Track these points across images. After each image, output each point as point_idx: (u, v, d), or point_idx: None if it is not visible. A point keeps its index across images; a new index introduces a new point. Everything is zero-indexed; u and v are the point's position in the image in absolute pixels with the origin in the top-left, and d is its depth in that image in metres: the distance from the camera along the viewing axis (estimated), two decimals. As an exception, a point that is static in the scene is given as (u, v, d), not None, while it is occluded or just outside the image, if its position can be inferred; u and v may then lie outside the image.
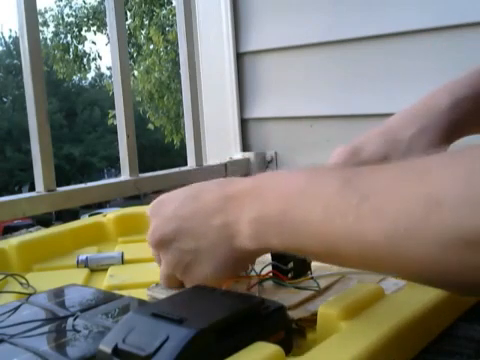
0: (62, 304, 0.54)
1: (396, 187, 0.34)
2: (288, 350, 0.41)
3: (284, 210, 0.40)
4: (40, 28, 3.07)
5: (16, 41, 17.27)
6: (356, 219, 0.35)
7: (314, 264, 0.59)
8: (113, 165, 16.93)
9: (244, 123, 1.58)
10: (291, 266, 0.56)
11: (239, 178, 0.47)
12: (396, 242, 0.33)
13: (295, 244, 0.41)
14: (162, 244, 0.49)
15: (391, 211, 0.33)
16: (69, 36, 13.04)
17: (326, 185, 0.38)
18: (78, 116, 18.26)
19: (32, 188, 1.21)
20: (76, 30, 12.95)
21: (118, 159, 1.43)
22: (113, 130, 5.75)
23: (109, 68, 15.38)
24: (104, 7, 2.05)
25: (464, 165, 0.32)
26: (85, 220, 0.96)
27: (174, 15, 2.54)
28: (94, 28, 12.73)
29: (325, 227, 0.37)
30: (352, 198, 0.35)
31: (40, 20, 4.82)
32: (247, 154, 1.57)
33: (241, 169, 1.57)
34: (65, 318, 0.50)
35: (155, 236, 0.49)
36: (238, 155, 1.59)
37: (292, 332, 0.44)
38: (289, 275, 0.55)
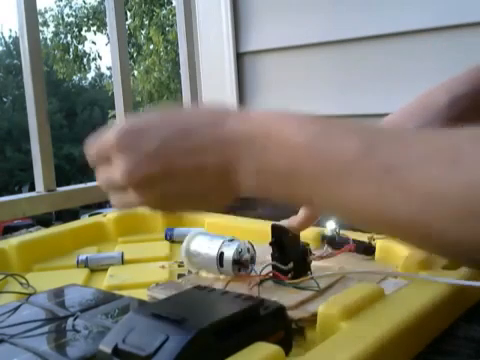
0: (62, 304, 0.54)
1: (428, 168, 0.32)
2: (288, 350, 0.41)
3: (292, 168, 0.37)
4: (40, 28, 3.07)
5: (16, 41, 17.27)
6: (378, 191, 0.33)
7: (314, 264, 0.59)
8: (113, 165, 16.89)
9: (244, 123, 1.58)
10: (291, 266, 0.56)
11: (233, 112, 0.42)
12: (424, 222, 0.32)
13: (303, 200, 0.39)
14: (142, 185, 0.42)
15: (421, 193, 0.32)
16: (69, 36, 13.06)
17: (344, 146, 0.35)
18: (78, 116, 18.25)
19: (32, 188, 1.21)
20: (76, 30, 12.96)
21: (118, 159, 1.43)
22: (113, 130, 5.73)
23: (109, 68, 15.38)
24: (104, 7, 2.05)
25: None
26: (85, 220, 0.96)
27: (174, 15, 2.54)
28: (94, 28, 12.74)
29: (340, 189, 0.35)
30: (375, 168, 0.33)
31: (40, 20, 4.82)
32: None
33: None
34: (65, 318, 0.50)
35: (134, 175, 0.41)
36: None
37: (292, 332, 0.44)
38: (289, 275, 0.55)
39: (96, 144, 0.44)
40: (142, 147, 0.41)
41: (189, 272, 0.64)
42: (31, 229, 0.97)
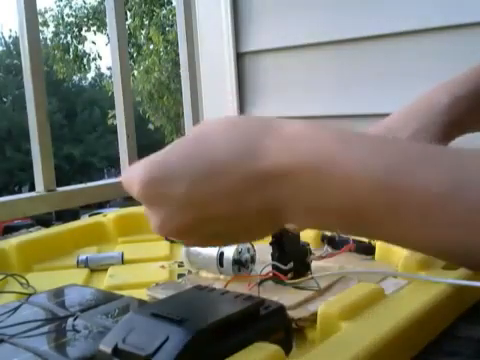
0: (62, 304, 0.54)
1: None
2: (288, 350, 0.41)
3: (355, 209, 0.32)
4: (40, 28, 3.07)
5: (16, 41, 17.26)
6: (466, 233, 0.30)
7: (314, 264, 0.59)
8: (113, 165, 16.92)
9: (244, 123, 1.57)
10: (291, 266, 0.56)
11: (268, 133, 0.35)
12: None
13: (367, 235, 0.37)
14: (179, 234, 0.39)
15: None
16: (69, 36, 13.05)
17: (423, 184, 0.30)
18: (78, 116, 18.25)
19: (32, 188, 1.21)
20: (76, 30, 12.95)
21: (118, 159, 1.43)
22: (113, 130, 5.75)
23: (109, 68, 15.37)
24: (104, 7, 2.05)
25: None
26: (85, 220, 0.96)
27: (174, 15, 2.54)
28: (94, 28, 12.73)
29: (419, 233, 0.32)
30: (464, 210, 0.30)
31: (40, 20, 4.82)
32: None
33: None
34: (65, 318, 0.50)
35: (167, 229, 0.38)
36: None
37: (292, 332, 0.44)
38: (289, 275, 0.55)
39: (127, 189, 0.41)
40: (169, 198, 0.36)
41: (189, 272, 0.64)
42: (31, 229, 0.97)
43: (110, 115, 10.16)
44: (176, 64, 9.71)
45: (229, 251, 0.58)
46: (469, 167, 0.31)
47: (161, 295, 0.54)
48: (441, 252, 0.33)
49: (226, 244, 0.43)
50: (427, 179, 0.30)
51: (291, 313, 0.46)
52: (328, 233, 0.69)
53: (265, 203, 0.35)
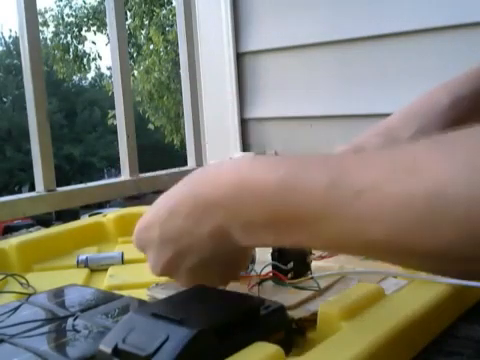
0: (62, 304, 0.54)
1: (391, 183, 0.33)
2: (288, 350, 0.41)
3: (272, 214, 0.38)
4: (40, 28, 3.07)
5: (16, 41, 17.26)
6: (353, 216, 0.34)
7: (314, 264, 0.59)
8: (113, 165, 16.92)
9: (244, 123, 1.58)
10: (291, 266, 0.56)
11: (209, 175, 0.44)
12: (398, 238, 0.33)
13: (292, 242, 0.40)
14: (170, 272, 0.48)
15: (390, 207, 0.32)
16: (69, 36, 13.05)
17: (313, 181, 0.36)
18: (78, 116, 18.25)
19: (32, 188, 1.22)
20: (76, 30, 12.95)
21: (118, 159, 1.43)
22: (113, 130, 5.75)
23: (109, 68, 15.38)
24: (104, 7, 2.05)
25: (460, 155, 0.31)
26: (85, 220, 0.96)
27: (174, 15, 2.54)
28: (94, 28, 12.73)
29: (321, 226, 0.36)
30: (346, 194, 0.34)
31: (40, 20, 4.81)
32: (247, 154, 1.57)
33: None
34: (65, 318, 0.50)
35: (158, 269, 0.48)
36: (238, 155, 1.59)
37: (292, 332, 0.44)
38: (289, 275, 0.55)
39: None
40: (151, 241, 0.47)
41: (189, 272, 0.64)
42: (31, 229, 0.97)
43: (110, 115, 10.15)
44: (176, 64, 9.71)
45: (229, 251, 0.58)
46: (348, 159, 0.36)
47: (161, 295, 0.54)
48: (345, 245, 0.36)
49: (208, 281, 0.47)
50: (315, 177, 0.36)
51: (291, 313, 0.46)
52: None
53: (212, 226, 0.42)
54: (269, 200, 0.38)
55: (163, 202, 0.46)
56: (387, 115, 0.65)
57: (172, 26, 10.22)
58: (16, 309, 0.52)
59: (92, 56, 13.61)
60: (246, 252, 0.49)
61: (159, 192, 0.56)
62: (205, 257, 0.45)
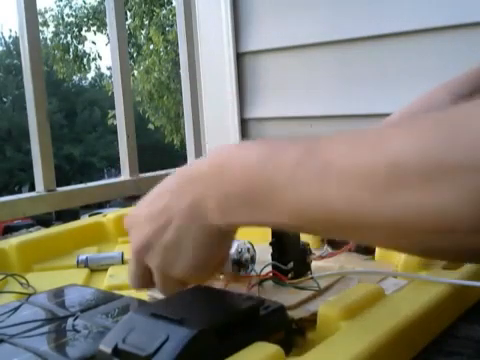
0: (62, 304, 0.54)
1: (355, 154, 0.34)
2: (288, 350, 0.41)
3: (248, 186, 0.40)
4: (40, 28, 3.07)
5: (16, 41, 17.26)
6: (321, 186, 0.35)
7: (314, 264, 0.59)
8: (113, 165, 16.91)
9: (244, 123, 1.58)
10: (291, 266, 0.56)
11: (196, 161, 0.48)
12: (359, 209, 0.34)
13: (263, 218, 0.40)
14: (145, 249, 0.47)
15: (354, 177, 0.34)
16: (69, 36, 13.04)
17: (287, 155, 0.38)
18: (78, 116, 18.24)
19: (32, 188, 1.22)
20: (76, 30, 12.95)
21: (118, 159, 1.43)
22: (113, 130, 5.74)
23: (109, 68, 15.37)
24: (104, 7, 2.05)
25: (418, 132, 0.32)
26: (85, 220, 0.96)
27: (174, 15, 2.54)
28: (94, 28, 12.72)
29: (291, 197, 0.37)
30: (315, 165, 0.36)
31: (40, 20, 4.82)
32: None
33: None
34: (65, 318, 0.50)
35: (136, 245, 0.48)
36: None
37: (292, 332, 0.44)
38: (289, 275, 0.55)
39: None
40: (137, 222, 0.49)
41: (189, 272, 0.64)
42: (31, 229, 0.97)
43: (110, 115, 10.14)
44: (176, 64, 9.71)
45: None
46: (323, 137, 0.38)
47: (161, 295, 0.54)
48: (311, 215, 0.37)
49: (180, 267, 0.46)
50: (290, 151, 0.38)
51: (291, 313, 0.46)
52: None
53: (191, 199, 0.44)
54: (247, 173, 0.40)
55: (155, 188, 0.49)
56: (387, 115, 0.65)
57: (172, 26, 10.22)
58: (16, 309, 0.52)
59: (92, 56, 13.61)
60: (223, 248, 0.48)
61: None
62: (181, 235, 0.45)
